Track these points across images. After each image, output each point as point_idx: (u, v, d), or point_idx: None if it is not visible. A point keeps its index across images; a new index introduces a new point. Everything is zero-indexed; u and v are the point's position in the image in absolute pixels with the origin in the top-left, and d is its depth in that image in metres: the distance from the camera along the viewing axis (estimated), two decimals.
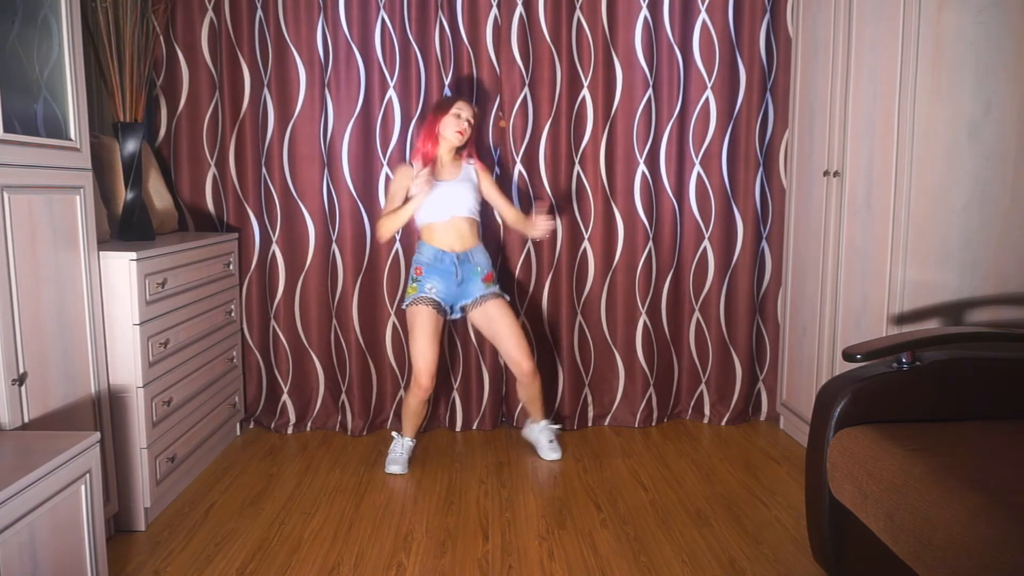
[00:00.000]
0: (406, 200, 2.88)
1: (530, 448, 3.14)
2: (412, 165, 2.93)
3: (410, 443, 2.99)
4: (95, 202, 2.44)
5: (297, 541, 2.37)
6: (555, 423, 3.17)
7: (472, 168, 3.00)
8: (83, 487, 1.81)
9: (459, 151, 2.99)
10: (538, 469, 2.95)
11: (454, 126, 2.88)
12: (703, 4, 3.22)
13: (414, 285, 2.91)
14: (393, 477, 2.86)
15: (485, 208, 3.10)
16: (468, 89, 3.20)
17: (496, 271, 3.09)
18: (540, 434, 3.07)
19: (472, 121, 2.92)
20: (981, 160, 2.38)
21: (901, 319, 2.49)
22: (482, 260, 2.97)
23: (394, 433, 3.03)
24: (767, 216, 3.40)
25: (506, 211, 3.02)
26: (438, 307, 2.88)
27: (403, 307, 2.98)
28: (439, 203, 2.88)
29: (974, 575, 1.39)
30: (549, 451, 3.03)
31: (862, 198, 2.68)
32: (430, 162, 2.91)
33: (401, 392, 3.36)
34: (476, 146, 3.18)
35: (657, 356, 3.40)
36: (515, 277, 3.29)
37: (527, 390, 2.99)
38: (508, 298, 3.04)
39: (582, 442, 3.22)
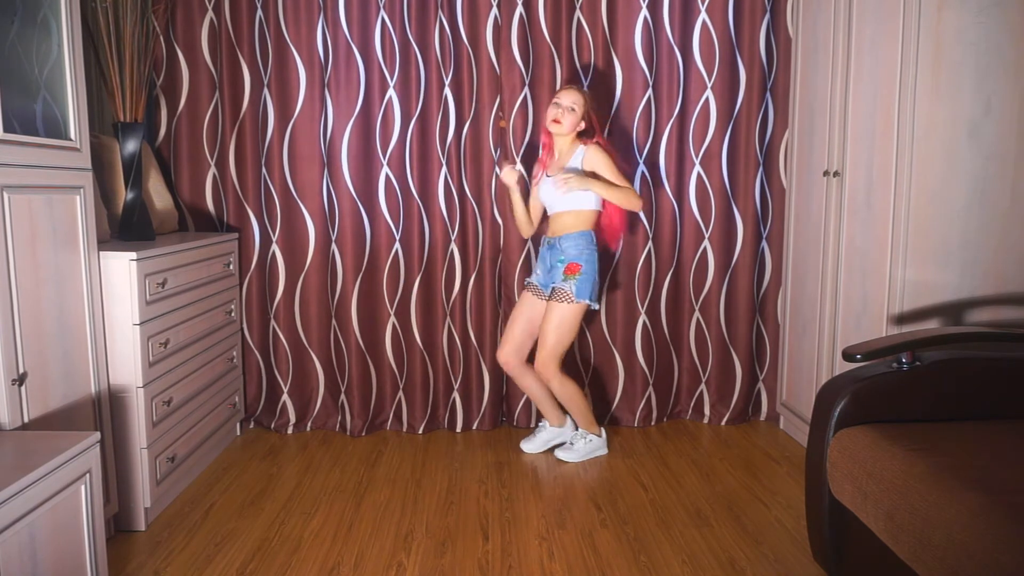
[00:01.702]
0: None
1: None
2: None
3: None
4: (95, 202, 2.44)
5: (297, 541, 2.37)
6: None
7: (580, 155, 2.90)
8: (83, 487, 1.81)
9: (580, 138, 2.95)
10: (538, 469, 2.95)
11: (549, 115, 2.91)
12: (703, 4, 3.22)
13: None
14: (393, 477, 2.86)
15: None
16: (469, 88, 3.20)
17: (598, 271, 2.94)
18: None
19: (576, 108, 2.87)
20: (981, 160, 2.38)
21: (901, 319, 2.49)
22: (570, 249, 2.88)
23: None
24: (767, 216, 3.40)
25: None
26: (536, 291, 3.02)
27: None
28: (544, 198, 2.97)
29: (974, 575, 1.39)
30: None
31: (862, 198, 2.67)
32: (548, 152, 3.02)
33: (400, 395, 3.36)
34: (480, 146, 3.19)
35: (657, 356, 3.40)
36: (515, 276, 3.29)
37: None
38: (578, 301, 2.84)
39: None
